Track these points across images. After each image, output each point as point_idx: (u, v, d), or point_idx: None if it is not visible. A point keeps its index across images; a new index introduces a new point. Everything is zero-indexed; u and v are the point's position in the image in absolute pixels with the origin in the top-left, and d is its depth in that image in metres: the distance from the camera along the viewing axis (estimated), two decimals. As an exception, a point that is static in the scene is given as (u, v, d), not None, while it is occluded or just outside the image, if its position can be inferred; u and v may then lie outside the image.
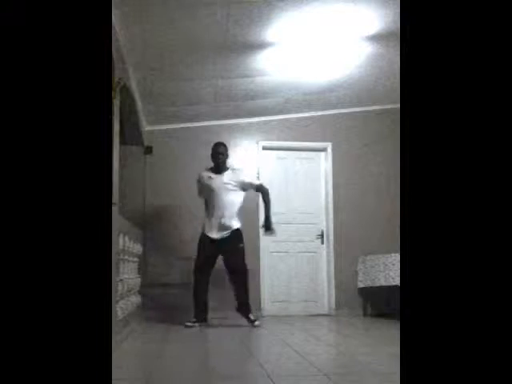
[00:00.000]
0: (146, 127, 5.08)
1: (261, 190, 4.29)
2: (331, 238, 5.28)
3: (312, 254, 5.30)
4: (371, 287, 4.99)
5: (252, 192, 4.35)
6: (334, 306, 5.20)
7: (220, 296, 4.45)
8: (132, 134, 4.65)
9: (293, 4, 2.97)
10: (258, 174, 5.21)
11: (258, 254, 5.06)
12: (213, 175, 4.19)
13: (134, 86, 4.04)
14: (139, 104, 4.46)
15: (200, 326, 4.05)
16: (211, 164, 4.27)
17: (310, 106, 5.19)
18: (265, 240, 5.01)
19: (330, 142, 5.39)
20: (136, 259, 4.17)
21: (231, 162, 4.74)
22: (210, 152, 4.23)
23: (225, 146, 4.30)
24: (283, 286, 5.18)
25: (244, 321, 4.18)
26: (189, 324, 4.01)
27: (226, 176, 4.17)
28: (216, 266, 4.21)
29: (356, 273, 5.20)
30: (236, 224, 4.13)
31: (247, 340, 3.52)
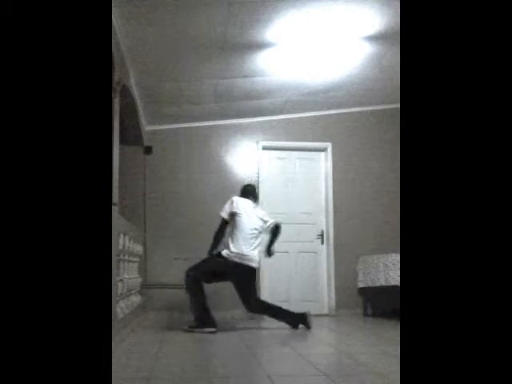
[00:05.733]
0: (146, 127, 5.08)
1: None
2: (331, 238, 5.27)
3: (312, 253, 5.30)
4: (371, 287, 4.99)
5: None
6: (334, 305, 5.20)
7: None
8: (132, 134, 4.65)
9: (293, 4, 2.97)
10: (258, 173, 5.21)
11: (257, 254, 5.05)
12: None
13: (133, 85, 4.04)
14: (139, 104, 4.46)
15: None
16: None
17: (310, 106, 5.19)
18: (264, 240, 4.98)
19: (330, 142, 5.39)
20: (136, 259, 4.16)
21: (231, 163, 4.70)
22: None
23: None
24: (283, 286, 5.18)
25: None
26: (208, 330, 3.76)
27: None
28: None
29: (356, 273, 5.20)
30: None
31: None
